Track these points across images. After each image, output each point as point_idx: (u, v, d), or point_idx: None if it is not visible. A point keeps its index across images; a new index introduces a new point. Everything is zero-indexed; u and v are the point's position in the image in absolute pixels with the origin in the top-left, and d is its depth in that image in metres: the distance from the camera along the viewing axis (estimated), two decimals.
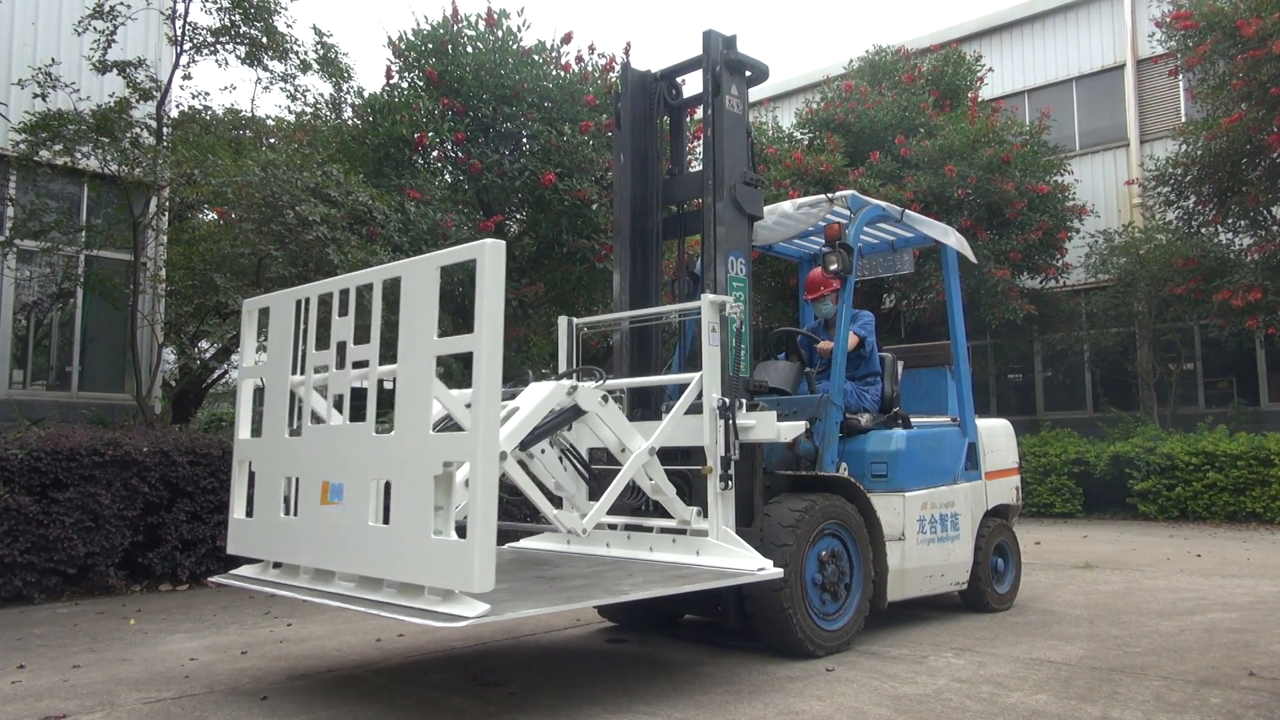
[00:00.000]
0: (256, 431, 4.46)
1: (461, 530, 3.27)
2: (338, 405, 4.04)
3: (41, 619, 5.94)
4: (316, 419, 4.11)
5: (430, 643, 5.10)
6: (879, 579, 5.00)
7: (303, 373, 4.12)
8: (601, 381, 4.33)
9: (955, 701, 3.78)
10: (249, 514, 4.38)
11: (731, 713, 3.65)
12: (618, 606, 5.31)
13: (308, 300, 4.14)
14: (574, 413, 4.18)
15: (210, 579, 4.84)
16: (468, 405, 3.34)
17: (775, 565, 4.27)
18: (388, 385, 4.46)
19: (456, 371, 8.58)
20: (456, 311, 9.89)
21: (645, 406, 5.25)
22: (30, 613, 6.16)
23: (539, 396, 4.05)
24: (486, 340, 3.22)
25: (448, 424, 3.93)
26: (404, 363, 3.51)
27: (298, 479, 4.04)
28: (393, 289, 3.71)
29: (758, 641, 4.65)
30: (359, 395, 3.88)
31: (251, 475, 4.40)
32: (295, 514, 4.04)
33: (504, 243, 3.35)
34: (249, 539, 4.35)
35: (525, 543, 5.21)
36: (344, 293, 3.93)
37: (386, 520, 3.55)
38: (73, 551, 6.50)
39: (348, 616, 5.84)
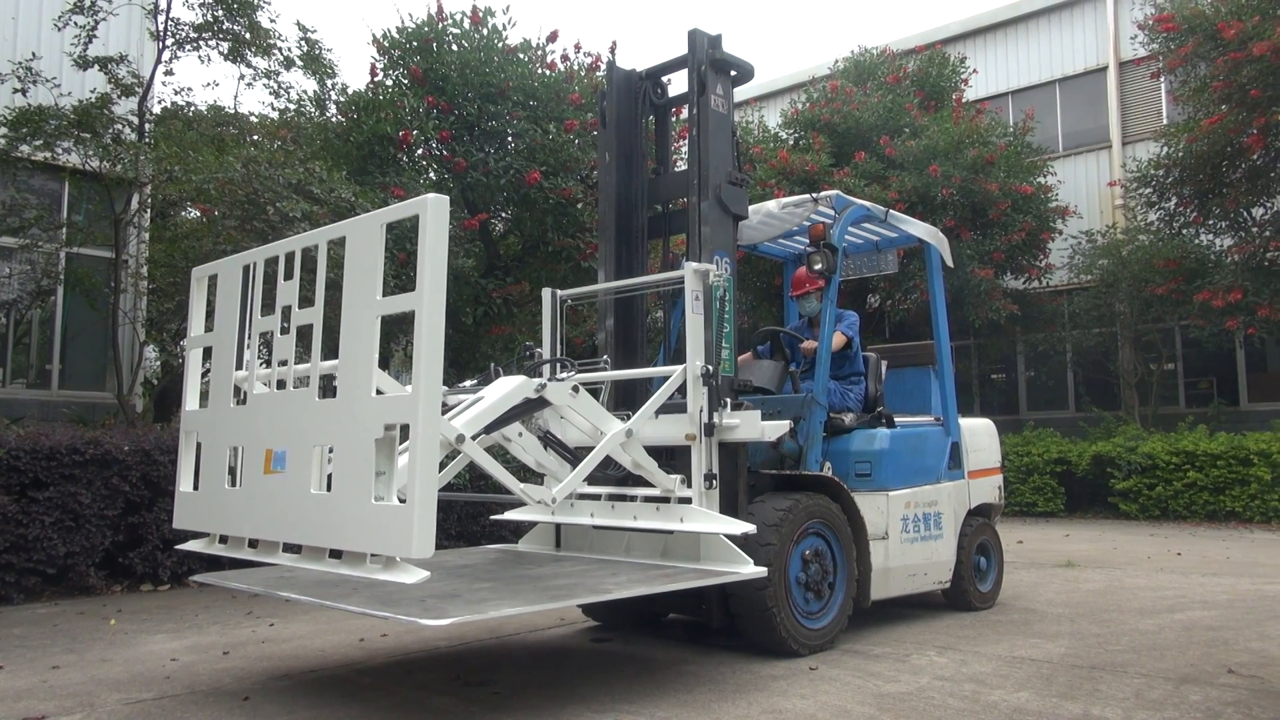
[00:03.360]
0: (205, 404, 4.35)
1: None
2: (282, 370, 3.90)
3: (21, 619, 5.88)
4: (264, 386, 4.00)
5: (414, 642, 5.09)
6: (863, 578, 5.02)
7: (250, 339, 4.02)
8: (571, 373, 4.34)
9: (938, 700, 3.79)
10: (195, 487, 4.28)
11: (715, 711, 3.65)
12: (602, 605, 5.30)
13: (255, 265, 4.02)
14: (539, 403, 4.19)
15: (192, 579, 4.81)
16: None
17: (759, 564, 4.28)
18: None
19: (450, 378, 8.55)
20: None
21: (631, 407, 5.24)
22: (9, 613, 6.10)
23: (504, 389, 4.05)
24: (429, 298, 3.11)
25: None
26: (348, 323, 3.41)
27: (242, 449, 3.94)
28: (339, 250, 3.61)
29: (742, 640, 4.66)
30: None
31: (199, 448, 4.27)
32: (240, 485, 3.93)
33: (447, 198, 3.23)
34: (195, 512, 4.24)
35: (510, 514, 5.22)
36: (289, 256, 3.83)
37: (330, 488, 3.47)
38: (52, 551, 6.44)
39: (330, 616, 5.82)
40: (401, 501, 3.17)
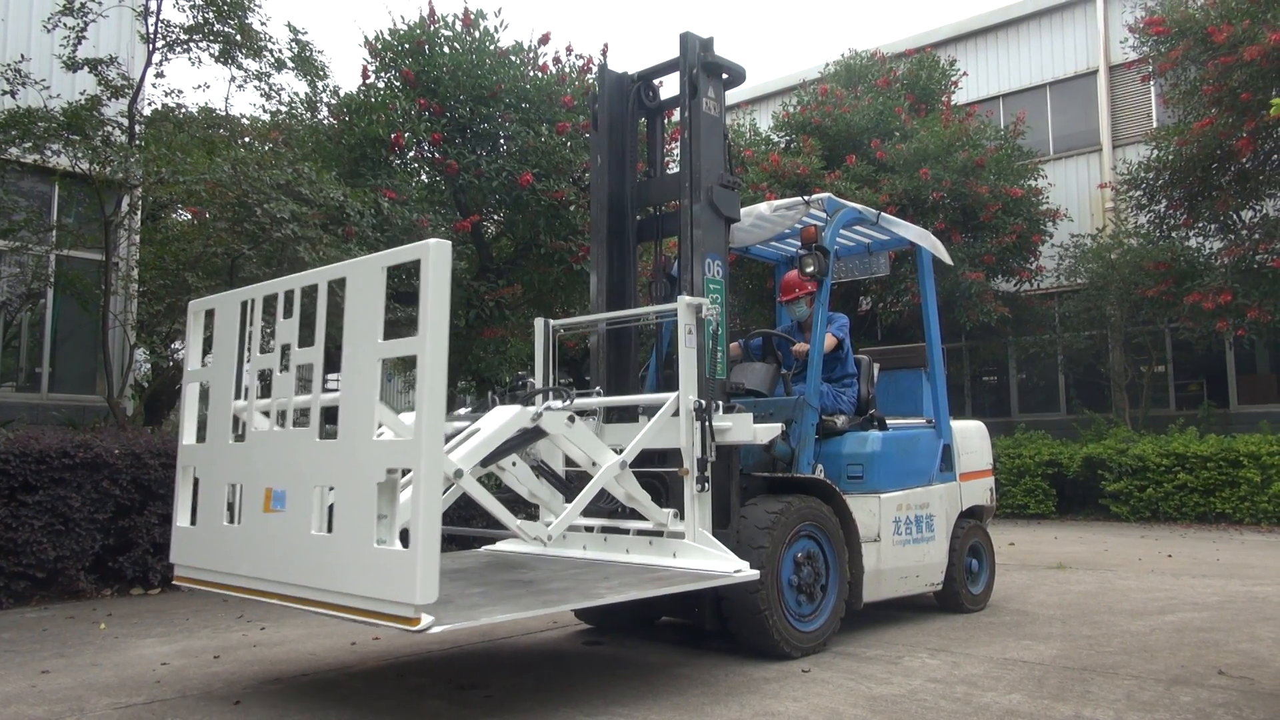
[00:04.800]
0: (202, 437, 4.32)
1: (406, 539, 3.15)
2: (281, 410, 3.87)
3: (10, 624, 5.85)
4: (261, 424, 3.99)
5: (406, 646, 5.07)
6: (855, 580, 5.02)
7: (248, 377, 4.02)
8: (569, 403, 4.31)
9: (930, 702, 3.80)
10: (193, 522, 4.24)
11: (708, 714, 3.65)
12: (594, 609, 5.30)
13: (253, 302, 4.03)
14: (536, 433, 4.15)
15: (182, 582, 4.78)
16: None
17: (751, 567, 4.28)
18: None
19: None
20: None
21: (622, 412, 5.24)
22: None
23: (501, 420, 4.00)
24: (431, 343, 3.11)
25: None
26: (348, 365, 3.40)
27: (241, 486, 3.92)
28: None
29: (734, 643, 4.66)
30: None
31: (196, 482, 4.24)
32: (238, 522, 3.91)
33: (449, 243, 3.24)
34: (192, 548, 4.20)
35: (502, 545, 5.20)
36: (289, 294, 3.83)
37: (331, 529, 3.45)
38: (42, 555, 6.41)
39: (322, 620, 5.78)
40: (403, 544, 3.15)
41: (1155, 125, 15.10)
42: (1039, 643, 4.96)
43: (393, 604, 3.14)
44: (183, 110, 11.88)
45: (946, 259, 6.45)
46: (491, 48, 10.91)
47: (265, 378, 3.99)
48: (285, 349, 3.81)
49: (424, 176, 11.43)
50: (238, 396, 4.06)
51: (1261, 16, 11.44)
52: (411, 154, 11.25)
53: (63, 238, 9.68)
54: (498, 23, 11.09)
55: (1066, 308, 15.10)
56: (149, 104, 11.16)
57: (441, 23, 10.94)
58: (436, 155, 10.80)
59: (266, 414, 3.96)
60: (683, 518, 4.44)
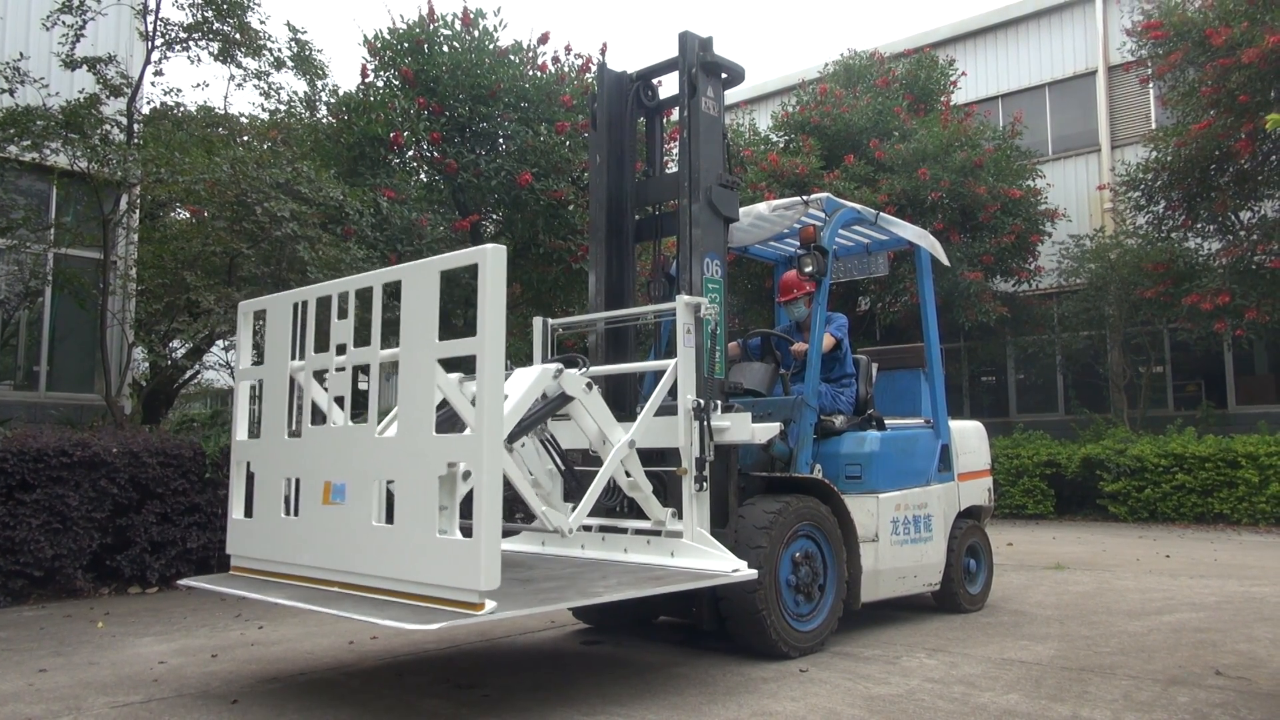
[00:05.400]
0: (251, 433, 4.51)
1: (464, 529, 3.34)
2: (338, 406, 4.09)
3: (7, 622, 5.84)
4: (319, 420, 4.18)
5: (404, 645, 5.07)
6: (853, 580, 5.02)
7: (302, 375, 4.19)
8: (586, 368, 4.33)
9: (928, 702, 3.80)
10: (248, 514, 4.44)
11: (705, 714, 3.65)
12: (592, 608, 5.30)
13: (305, 303, 4.20)
14: (561, 400, 4.18)
15: (180, 581, 4.79)
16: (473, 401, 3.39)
17: (749, 566, 4.28)
18: (362, 385, 4.46)
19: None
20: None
21: (619, 408, 5.23)
22: None
23: (526, 382, 4.06)
24: (489, 343, 3.31)
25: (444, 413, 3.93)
26: (405, 365, 3.57)
27: (298, 479, 4.11)
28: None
29: (732, 643, 4.66)
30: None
31: (250, 476, 4.44)
32: (296, 514, 4.09)
33: (504, 249, 3.42)
34: (249, 539, 4.40)
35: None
36: (343, 296, 3.99)
37: (389, 520, 3.61)
38: (39, 554, 6.41)
39: (320, 619, 5.79)
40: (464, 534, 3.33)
41: (1154, 126, 15.10)
42: (1037, 643, 4.97)
43: (456, 590, 3.31)
44: (181, 109, 11.87)
45: (944, 260, 6.45)
46: (491, 47, 10.91)
47: (321, 376, 4.17)
48: (341, 348, 4.00)
49: (423, 176, 11.43)
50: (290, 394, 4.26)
51: (1260, 19, 11.44)
52: (410, 153, 11.26)
53: (61, 236, 9.66)
54: (497, 22, 11.10)
55: (1065, 308, 15.10)
56: (148, 102, 11.15)
57: (441, 22, 10.94)
58: (435, 154, 10.80)
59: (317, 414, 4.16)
60: (681, 517, 4.44)
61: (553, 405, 4.18)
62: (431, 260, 3.61)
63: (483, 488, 3.24)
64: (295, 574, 4.07)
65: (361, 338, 3.96)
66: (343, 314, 3.96)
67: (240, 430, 4.61)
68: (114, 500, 6.80)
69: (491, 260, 3.34)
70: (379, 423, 3.81)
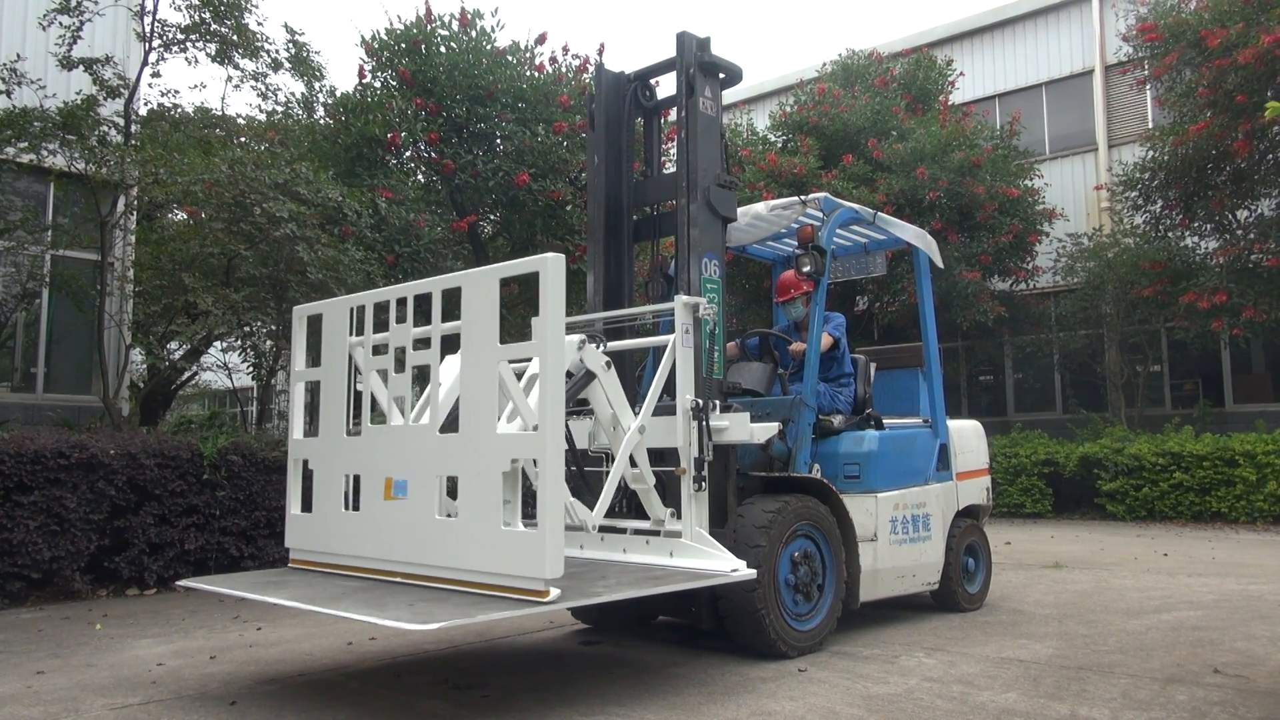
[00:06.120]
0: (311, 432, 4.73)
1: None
2: (398, 406, 4.30)
3: (5, 624, 5.83)
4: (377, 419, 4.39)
5: (402, 646, 5.07)
6: (851, 579, 5.02)
7: (361, 377, 4.40)
8: (603, 345, 4.35)
9: (926, 701, 3.80)
10: (305, 509, 4.63)
11: (704, 713, 3.65)
12: (591, 608, 5.30)
13: (363, 308, 4.40)
14: (586, 378, 4.22)
15: (178, 583, 4.79)
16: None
17: (748, 566, 4.28)
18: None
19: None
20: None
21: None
22: None
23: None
24: (550, 348, 3.53)
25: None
26: (468, 367, 3.80)
27: (357, 476, 4.32)
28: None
29: (731, 642, 4.66)
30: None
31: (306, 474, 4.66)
32: (356, 509, 4.30)
33: (563, 257, 3.62)
34: (308, 533, 4.60)
35: None
36: (401, 301, 4.22)
37: (454, 514, 3.82)
38: (37, 556, 6.40)
39: (318, 620, 5.79)
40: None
41: (1151, 125, 15.12)
42: (1035, 642, 4.97)
43: (522, 579, 3.52)
44: (179, 110, 11.85)
45: (939, 262, 6.43)
46: (488, 47, 10.91)
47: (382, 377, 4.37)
48: (400, 351, 4.24)
49: (420, 176, 11.43)
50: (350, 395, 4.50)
51: (1255, 19, 11.46)
52: (408, 154, 11.26)
53: (58, 238, 9.65)
54: (494, 23, 11.10)
55: (1063, 307, 15.12)
56: (145, 104, 11.14)
57: (438, 22, 10.94)
58: (433, 155, 10.79)
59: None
60: (680, 517, 4.44)
61: (580, 384, 4.22)
62: (492, 268, 3.81)
63: (546, 482, 3.45)
64: (357, 566, 4.27)
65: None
66: (401, 318, 4.21)
67: (296, 429, 4.78)
68: (112, 502, 6.79)
69: (552, 267, 3.55)
70: (428, 420, 4.00)
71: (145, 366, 11.89)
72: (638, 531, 4.61)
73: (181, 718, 3.73)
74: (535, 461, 3.54)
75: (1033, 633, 5.23)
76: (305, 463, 4.69)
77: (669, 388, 4.48)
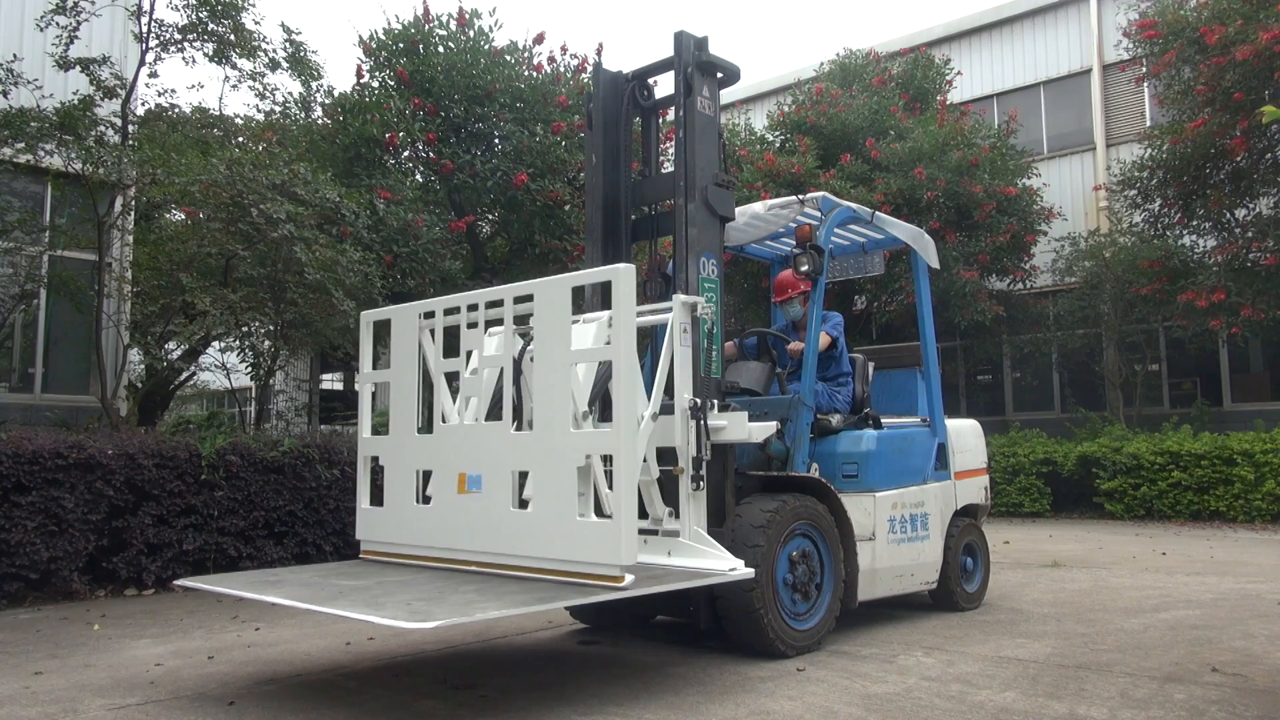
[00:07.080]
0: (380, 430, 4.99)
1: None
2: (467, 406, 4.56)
3: (3, 625, 5.83)
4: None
5: (401, 646, 5.07)
6: (850, 579, 5.03)
7: (433, 378, 4.64)
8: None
9: (925, 700, 3.80)
10: (376, 503, 4.88)
11: (703, 713, 3.65)
12: (590, 608, 5.30)
13: (431, 313, 4.67)
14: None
15: (176, 583, 4.78)
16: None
17: (746, 565, 4.28)
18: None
19: None
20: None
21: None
22: None
23: (588, 338, 4.34)
24: (624, 352, 3.81)
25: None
26: (543, 369, 4.04)
27: (428, 472, 4.60)
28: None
29: (729, 642, 4.66)
30: None
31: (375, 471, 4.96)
32: (428, 503, 4.56)
33: (633, 267, 3.95)
34: (379, 526, 4.84)
35: None
36: (472, 306, 4.50)
37: (528, 506, 4.08)
38: (35, 556, 6.39)
39: (317, 620, 5.79)
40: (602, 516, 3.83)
41: (1149, 124, 15.13)
42: (1033, 641, 4.97)
43: (599, 565, 3.78)
44: (176, 110, 11.83)
45: (934, 262, 6.41)
46: (486, 47, 10.91)
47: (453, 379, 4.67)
48: (469, 354, 4.54)
49: (419, 176, 11.43)
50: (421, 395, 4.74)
51: (1254, 16, 11.47)
52: (406, 154, 11.25)
53: (56, 238, 9.63)
54: (492, 22, 11.10)
55: (1061, 306, 15.12)
56: (142, 104, 11.12)
57: (436, 22, 10.94)
58: (431, 155, 10.79)
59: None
60: (678, 516, 4.44)
61: (608, 376, 4.24)
62: (564, 277, 4.09)
63: (621, 474, 3.71)
64: (429, 556, 4.53)
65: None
66: (472, 324, 4.47)
67: (365, 429, 5.01)
68: (110, 502, 6.79)
69: (623, 277, 3.84)
70: (500, 419, 4.27)
71: (143, 367, 11.88)
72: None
73: (179, 718, 3.73)
74: (608, 458, 3.81)
75: (1031, 632, 5.23)
76: (375, 460, 4.94)
77: (668, 388, 4.48)
